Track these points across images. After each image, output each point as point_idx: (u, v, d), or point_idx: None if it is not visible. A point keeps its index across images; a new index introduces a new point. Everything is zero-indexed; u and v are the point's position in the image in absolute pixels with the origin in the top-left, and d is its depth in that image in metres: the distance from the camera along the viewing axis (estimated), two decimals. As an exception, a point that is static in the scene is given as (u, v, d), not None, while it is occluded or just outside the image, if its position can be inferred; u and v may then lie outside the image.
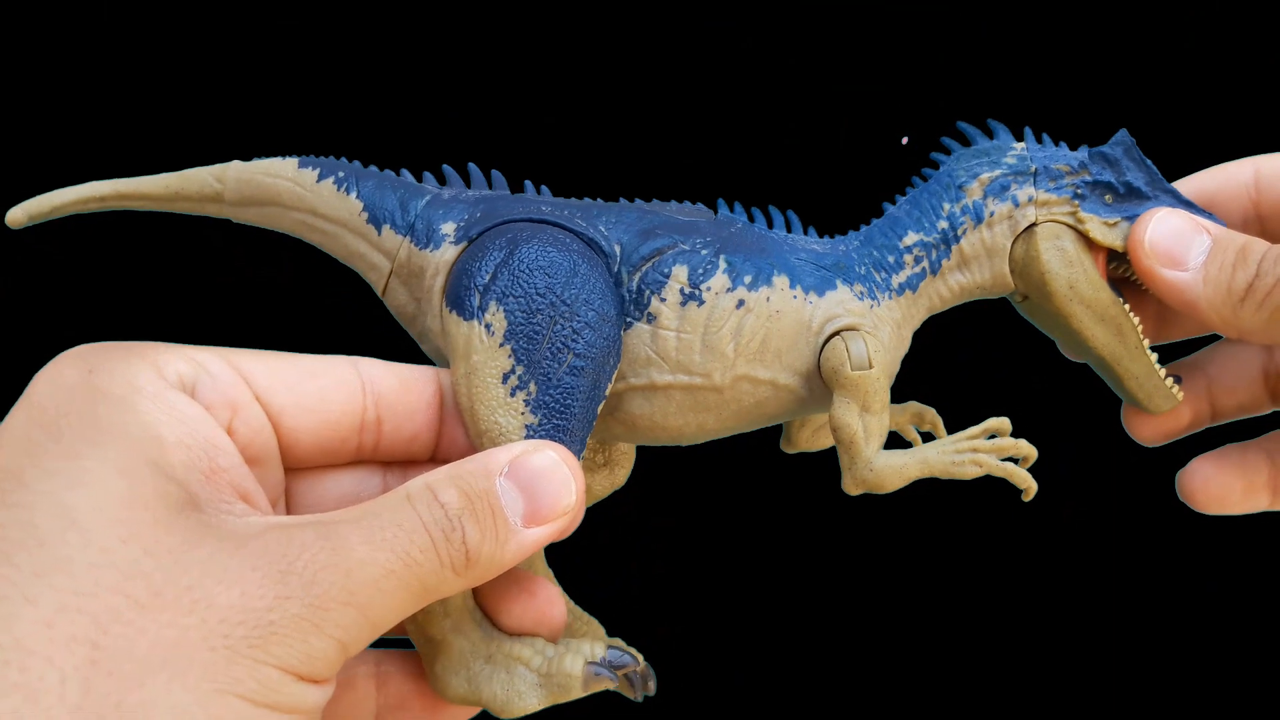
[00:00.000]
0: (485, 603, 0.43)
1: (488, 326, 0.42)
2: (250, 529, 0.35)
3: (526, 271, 0.42)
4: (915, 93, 0.80)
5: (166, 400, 0.36)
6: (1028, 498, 0.45)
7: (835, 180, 0.76)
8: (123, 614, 0.32)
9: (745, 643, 0.83)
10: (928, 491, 0.46)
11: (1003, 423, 0.45)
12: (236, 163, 0.46)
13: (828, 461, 0.51)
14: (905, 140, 0.76)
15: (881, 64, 0.80)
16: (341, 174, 0.46)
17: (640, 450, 0.49)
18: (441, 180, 0.46)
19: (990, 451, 0.44)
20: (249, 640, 0.33)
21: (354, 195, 0.45)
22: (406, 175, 0.46)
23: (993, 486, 0.45)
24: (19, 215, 0.46)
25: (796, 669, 0.83)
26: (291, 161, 0.46)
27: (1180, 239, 0.43)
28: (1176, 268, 0.43)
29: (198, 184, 0.46)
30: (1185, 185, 0.47)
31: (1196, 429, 0.49)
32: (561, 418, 0.41)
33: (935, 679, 0.83)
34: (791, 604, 0.83)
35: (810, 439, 0.52)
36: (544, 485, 0.39)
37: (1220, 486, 0.47)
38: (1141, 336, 0.46)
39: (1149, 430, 0.49)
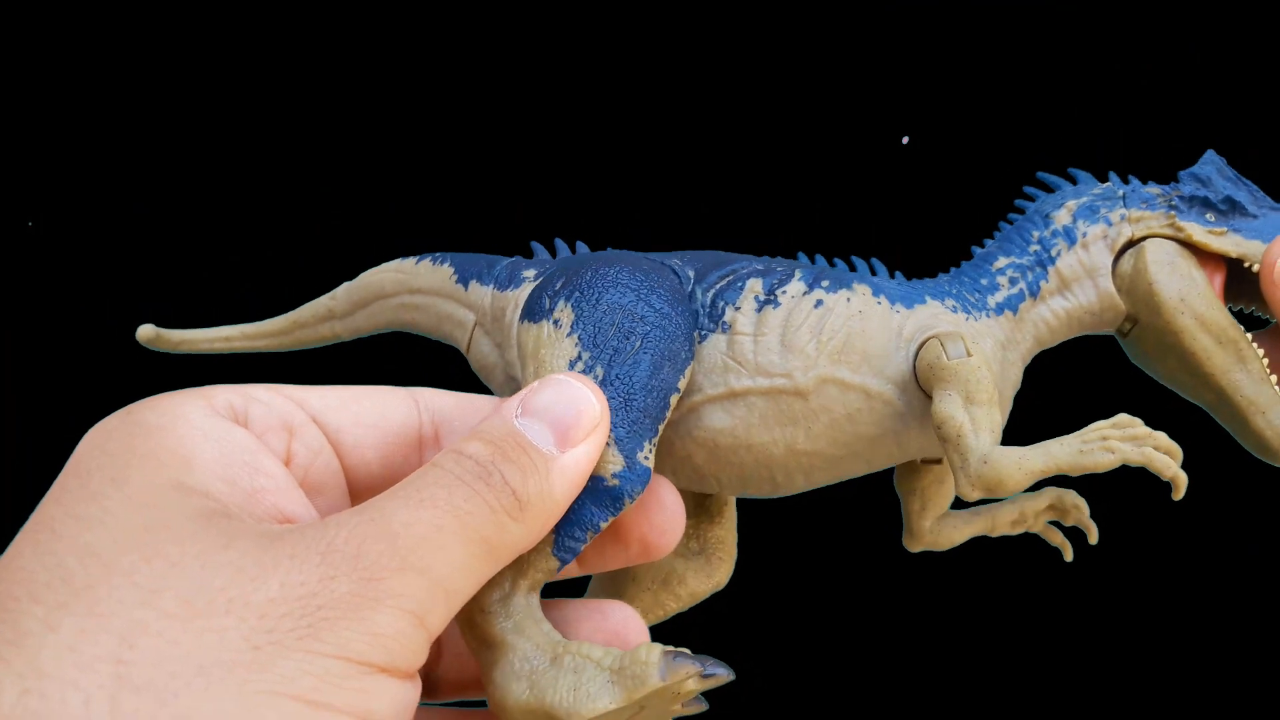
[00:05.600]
0: (554, 623, 0.42)
1: (555, 322, 0.43)
2: (283, 529, 0.34)
3: (595, 274, 0.44)
4: (915, 95, 0.80)
5: (207, 426, 0.36)
6: (1178, 494, 0.39)
7: (836, 183, 0.76)
8: (150, 627, 0.30)
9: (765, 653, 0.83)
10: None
11: (1134, 420, 0.40)
12: (345, 283, 0.51)
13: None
14: (905, 140, 0.76)
15: (881, 64, 0.80)
16: (437, 253, 0.50)
17: None
18: (529, 256, 0.49)
19: (1125, 440, 0.39)
20: (297, 632, 0.31)
21: (446, 265, 0.49)
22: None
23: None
24: (149, 334, 0.52)
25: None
26: (396, 260, 0.50)
27: None
28: None
29: (311, 309, 0.51)
30: None
31: None
32: (628, 396, 0.41)
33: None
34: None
35: (935, 529, 0.48)
36: (561, 406, 0.38)
37: None
38: (1267, 368, 0.42)
39: None
